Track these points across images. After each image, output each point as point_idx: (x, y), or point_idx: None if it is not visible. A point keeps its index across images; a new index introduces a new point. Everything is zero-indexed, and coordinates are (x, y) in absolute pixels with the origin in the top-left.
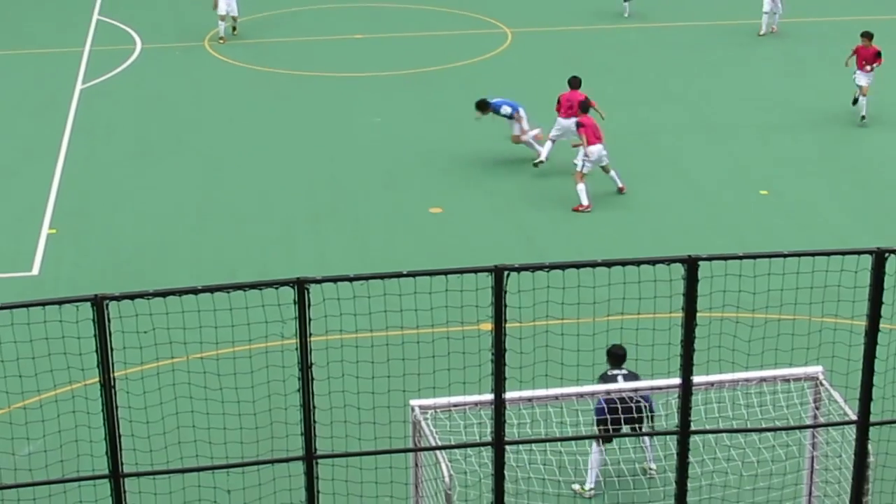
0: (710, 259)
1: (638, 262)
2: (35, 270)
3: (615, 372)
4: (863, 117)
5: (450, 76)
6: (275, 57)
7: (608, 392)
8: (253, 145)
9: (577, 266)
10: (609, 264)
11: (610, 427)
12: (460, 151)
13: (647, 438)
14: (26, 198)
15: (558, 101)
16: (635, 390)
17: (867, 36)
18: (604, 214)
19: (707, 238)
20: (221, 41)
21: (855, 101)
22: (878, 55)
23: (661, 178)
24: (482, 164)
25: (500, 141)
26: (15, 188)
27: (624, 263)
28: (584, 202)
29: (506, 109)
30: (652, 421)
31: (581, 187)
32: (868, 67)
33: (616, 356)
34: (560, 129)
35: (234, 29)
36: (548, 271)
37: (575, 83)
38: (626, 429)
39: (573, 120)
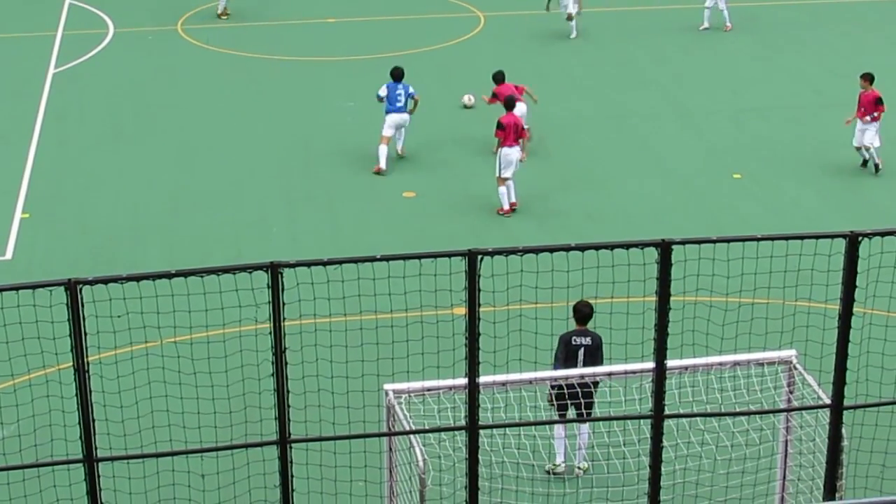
0: (683, 243)
1: (611, 247)
2: (8, 255)
3: (578, 341)
4: (877, 167)
5: (423, 60)
6: (248, 41)
7: (568, 377)
8: (226, 130)
9: (551, 250)
10: (582, 248)
11: (568, 402)
12: (433, 135)
13: (581, 435)
14: None
15: (493, 95)
16: (609, 374)
17: (867, 78)
18: (577, 198)
19: (680, 222)
20: (225, 17)
21: (864, 164)
22: (878, 102)
23: (633, 163)
24: (455, 149)
25: (473, 125)
26: None
27: (597, 248)
28: (506, 206)
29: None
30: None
31: (503, 191)
32: (868, 118)
33: (582, 314)
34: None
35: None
36: (521, 255)
37: (500, 77)
38: (571, 412)
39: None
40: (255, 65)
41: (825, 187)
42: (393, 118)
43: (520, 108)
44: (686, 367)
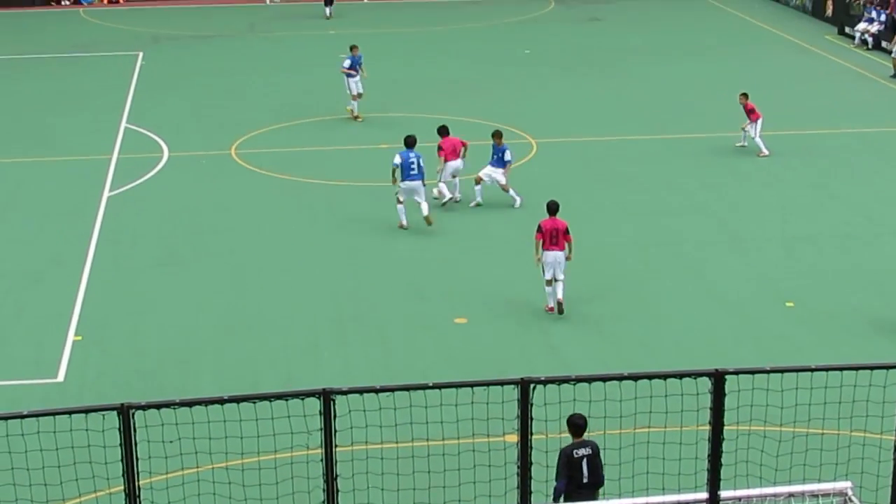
0: (737, 373)
1: (664, 376)
2: (60, 377)
3: (580, 452)
4: None
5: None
6: (301, 165)
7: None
8: (278, 253)
9: (604, 379)
10: (635, 377)
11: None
12: (485, 262)
13: None
14: (52, 304)
15: (440, 148)
16: None
17: None
18: (629, 326)
19: (733, 351)
20: (358, 119)
21: None
22: None
23: (685, 290)
24: (506, 275)
25: (523, 253)
26: (41, 294)
27: (650, 377)
28: (551, 304)
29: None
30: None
31: (549, 290)
32: None
33: (577, 426)
34: (451, 169)
35: (357, 114)
36: (574, 384)
37: (444, 131)
38: None
39: (458, 162)
40: (306, 189)
41: (879, 317)
42: (407, 185)
43: (456, 164)
44: (740, 498)
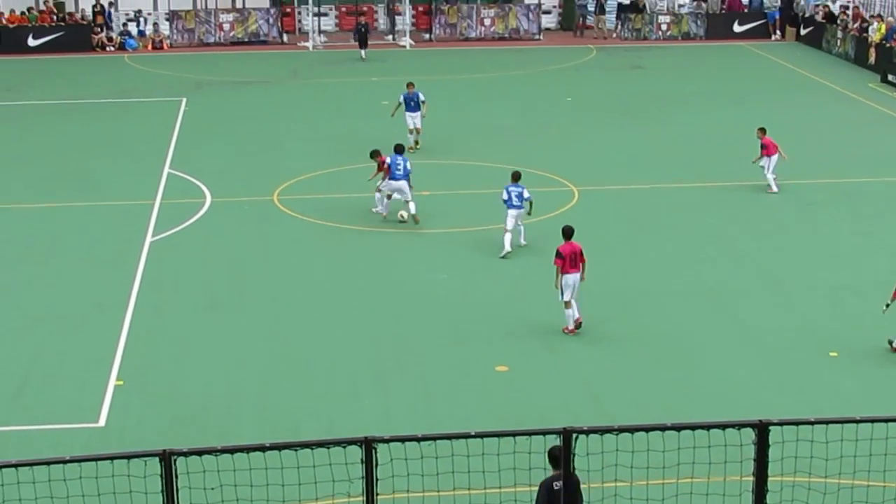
0: (781, 424)
1: (707, 427)
2: (101, 422)
3: (559, 485)
4: None
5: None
6: (342, 211)
7: None
8: (319, 299)
9: (646, 429)
10: (678, 428)
11: None
12: (525, 309)
13: None
14: (94, 348)
15: (384, 165)
16: None
17: None
18: (671, 375)
19: (777, 401)
20: (410, 149)
21: None
22: None
23: (727, 338)
24: (547, 323)
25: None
26: (84, 339)
27: (693, 427)
28: (570, 325)
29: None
30: None
31: (569, 313)
32: None
33: (555, 458)
34: (390, 188)
35: (416, 143)
36: (616, 434)
37: (374, 154)
38: None
39: (403, 181)
40: (348, 235)
41: None
42: (391, 184)
43: (398, 182)
44: None
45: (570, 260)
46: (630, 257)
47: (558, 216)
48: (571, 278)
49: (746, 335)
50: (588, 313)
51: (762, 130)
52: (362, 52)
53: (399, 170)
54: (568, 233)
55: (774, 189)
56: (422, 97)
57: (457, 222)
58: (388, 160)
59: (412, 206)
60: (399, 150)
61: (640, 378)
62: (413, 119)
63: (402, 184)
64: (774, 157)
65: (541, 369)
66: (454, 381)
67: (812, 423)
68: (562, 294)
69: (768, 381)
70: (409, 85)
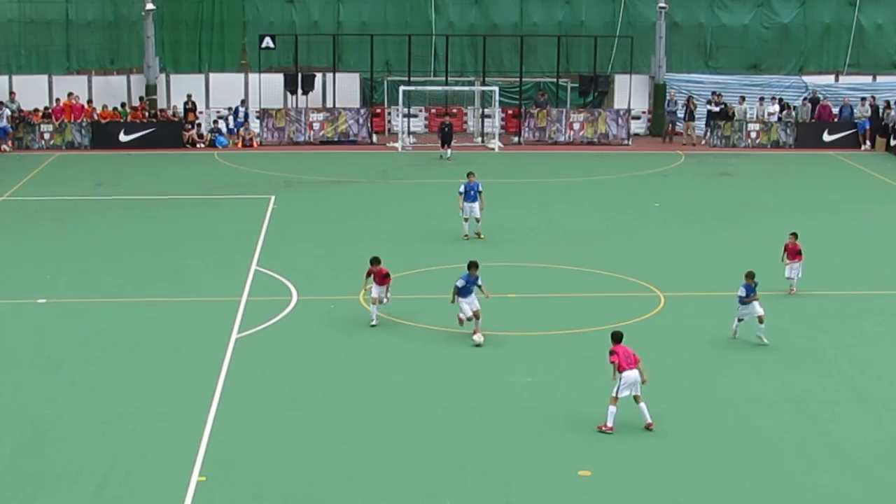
0: None
1: None
2: None
3: None
4: None
5: (603, 338)
6: (427, 314)
7: None
8: (402, 400)
9: None
10: None
11: None
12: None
13: None
14: (178, 443)
15: (372, 274)
16: None
17: None
18: (755, 485)
19: None
20: (465, 237)
21: None
22: None
23: (812, 450)
24: (632, 427)
25: (662, 416)
26: (167, 433)
27: None
28: (610, 423)
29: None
30: None
31: (612, 410)
32: None
33: None
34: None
35: (478, 233)
36: None
37: (376, 261)
38: None
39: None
40: (432, 336)
41: None
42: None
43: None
44: None
45: (624, 358)
46: (717, 365)
47: (645, 321)
48: (632, 376)
49: (831, 446)
50: (673, 419)
51: (794, 235)
52: (446, 151)
53: (469, 288)
54: (616, 338)
55: (794, 290)
56: (480, 188)
57: (542, 326)
58: (458, 282)
59: (479, 336)
60: (472, 267)
61: (723, 487)
62: (472, 208)
63: (472, 298)
64: (800, 263)
65: (624, 475)
66: (537, 486)
67: None
68: (617, 390)
69: (854, 494)
70: (470, 175)
